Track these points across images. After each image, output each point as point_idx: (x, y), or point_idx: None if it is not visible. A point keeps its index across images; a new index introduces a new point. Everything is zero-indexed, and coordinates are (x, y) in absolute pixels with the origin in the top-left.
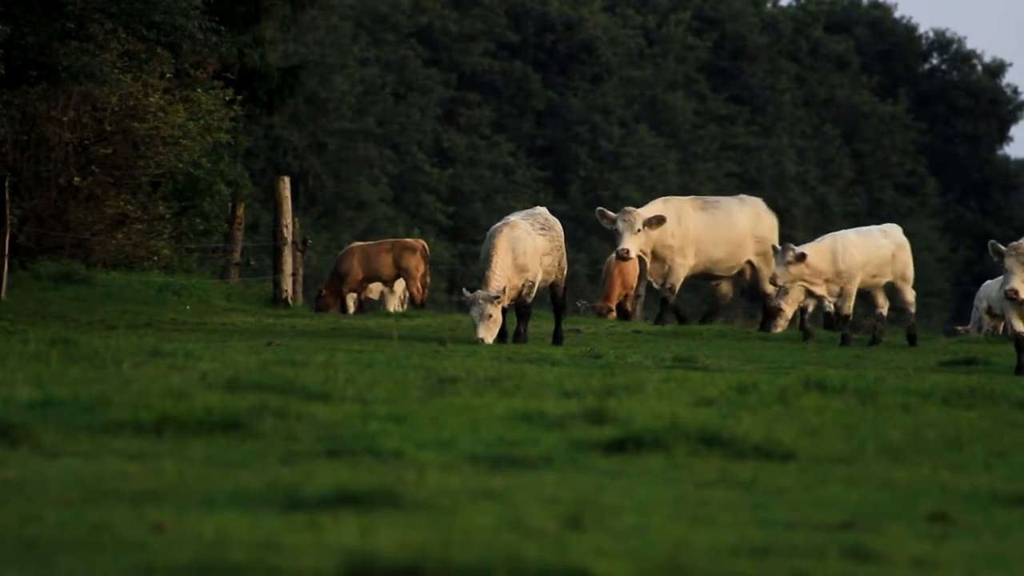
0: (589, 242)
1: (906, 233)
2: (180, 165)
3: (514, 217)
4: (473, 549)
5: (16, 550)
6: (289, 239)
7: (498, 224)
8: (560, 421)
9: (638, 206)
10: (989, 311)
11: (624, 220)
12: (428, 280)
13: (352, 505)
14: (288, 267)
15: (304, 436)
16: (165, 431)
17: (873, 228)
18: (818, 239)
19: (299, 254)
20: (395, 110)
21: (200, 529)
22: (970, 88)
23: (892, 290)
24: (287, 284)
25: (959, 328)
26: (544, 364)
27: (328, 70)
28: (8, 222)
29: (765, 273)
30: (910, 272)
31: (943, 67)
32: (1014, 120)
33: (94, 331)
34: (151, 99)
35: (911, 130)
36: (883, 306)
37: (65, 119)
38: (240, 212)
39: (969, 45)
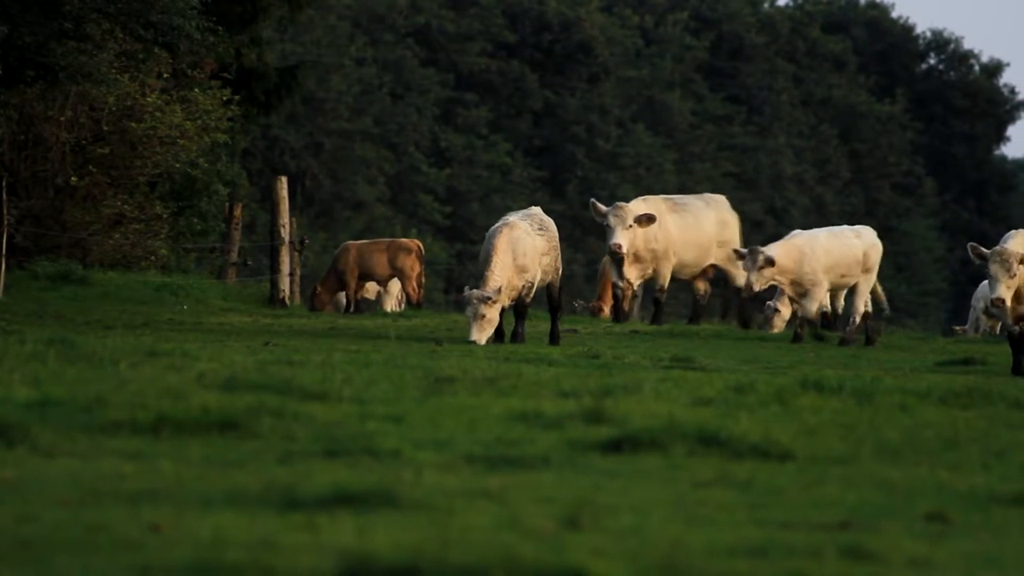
0: (586, 242)
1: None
2: (177, 165)
3: (512, 217)
4: (470, 549)
5: (13, 550)
6: (286, 239)
7: (497, 224)
8: (557, 421)
9: None
10: (986, 311)
11: (616, 215)
12: (424, 280)
13: (349, 505)
14: (285, 267)
15: (301, 436)
16: (162, 431)
17: (845, 228)
18: (788, 237)
19: (296, 254)
20: (392, 110)
21: (197, 529)
22: (967, 88)
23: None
24: (284, 284)
25: (956, 328)
26: (541, 364)
27: (325, 70)
28: (5, 222)
29: (733, 274)
30: (873, 276)
31: (940, 67)
32: (1011, 120)
33: (91, 331)
34: (148, 99)
35: (908, 130)
36: (867, 305)
37: (62, 119)
38: (237, 212)
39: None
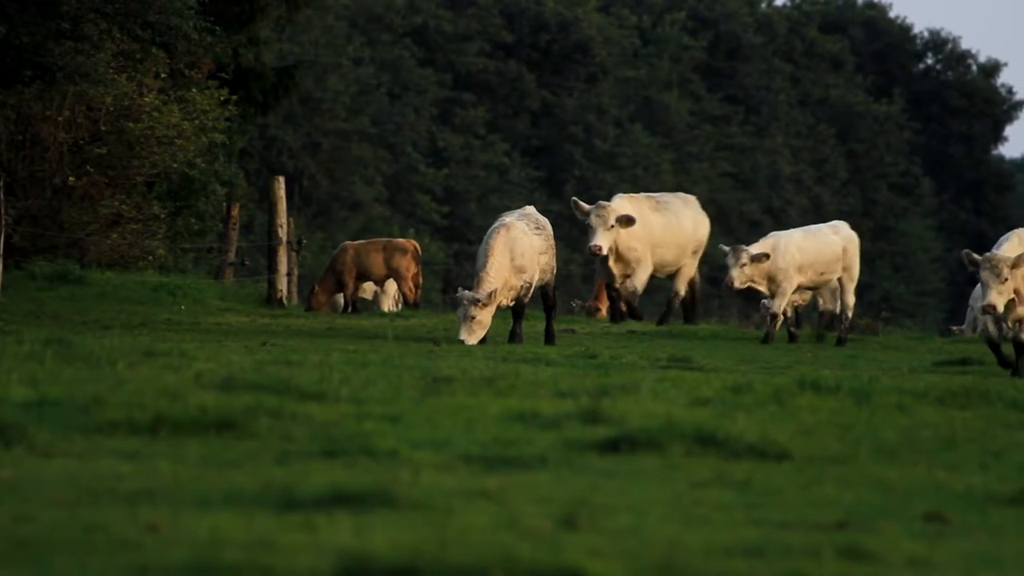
0: (584, 242)
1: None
2: (175, 165)
3: (508, 217)
4: (468, 549)
5: (10, 550)
6: (284, 239)
7: (495, 225)
8: (555, 421)
9: None
10: (984, 311)
11: (597, 215)
12: (420, 280)
13: (347, 505)
14: (283, 267)
15: (299, 436)
16: (160, 431)
17: (822, 226)
18: (764, 238)
19: (294, 254)
20: (390, 110)
21: (195, 529)
22: (965, 88)
23: (833, 290)
24: (282, 284)
25: (954, 328)
26: (539, 364)
27: (323, 70)
28: (3, 222)
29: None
30: (855, 271)
31: (938, 67)
32: (1009, 120)
33: (89, 331)
34: (146, 99)
35: (906, 130)
36: (837, 305)
37: (60, 119)
38: (235, 212)
39: (964, 45)
